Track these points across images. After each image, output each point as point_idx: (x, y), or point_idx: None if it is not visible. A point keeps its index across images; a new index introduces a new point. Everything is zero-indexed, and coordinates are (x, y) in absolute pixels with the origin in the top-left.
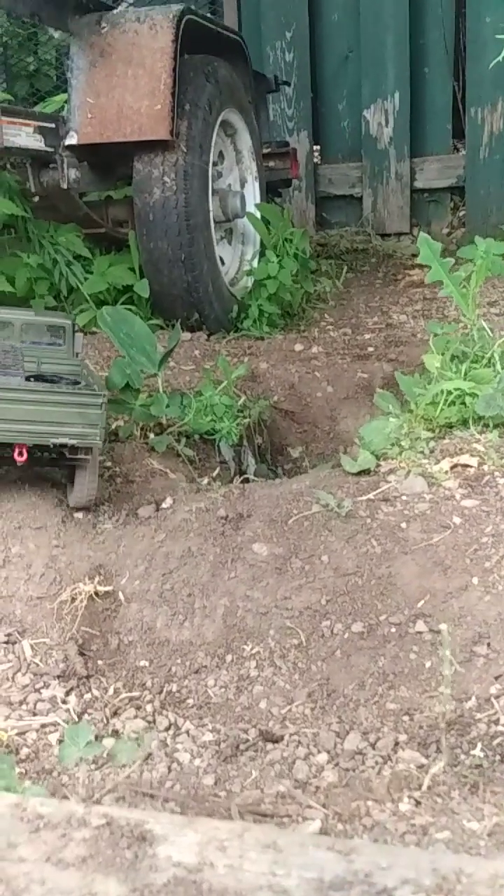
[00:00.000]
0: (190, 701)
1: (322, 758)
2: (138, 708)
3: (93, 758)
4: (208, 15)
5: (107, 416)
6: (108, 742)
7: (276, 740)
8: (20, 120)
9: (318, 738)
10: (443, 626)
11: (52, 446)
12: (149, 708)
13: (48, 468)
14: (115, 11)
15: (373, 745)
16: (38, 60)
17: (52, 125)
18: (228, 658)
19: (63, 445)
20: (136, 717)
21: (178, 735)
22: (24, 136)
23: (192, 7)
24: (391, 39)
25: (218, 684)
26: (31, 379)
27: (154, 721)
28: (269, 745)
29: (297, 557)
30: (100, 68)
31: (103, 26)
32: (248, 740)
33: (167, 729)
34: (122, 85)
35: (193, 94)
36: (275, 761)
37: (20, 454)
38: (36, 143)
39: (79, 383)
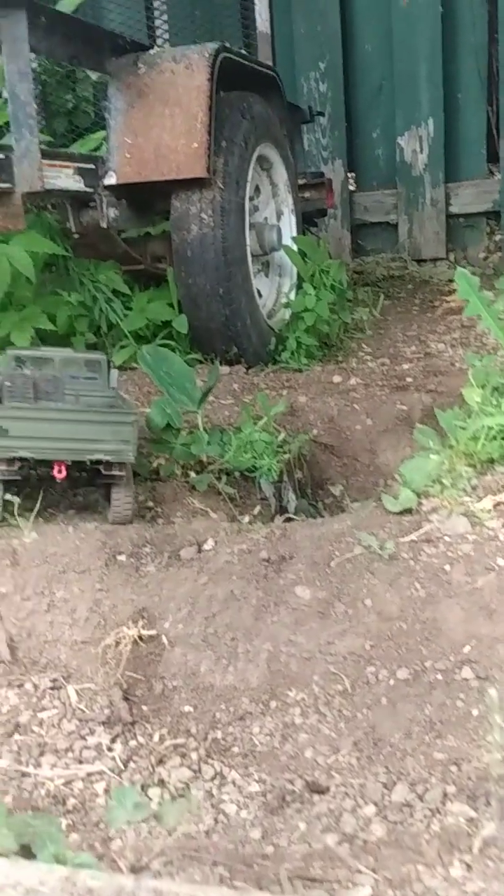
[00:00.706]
0: (235, 749)
1: (370, 810)
2: (183, 756)
3: (141, 819)
4: (242, 51)
5: (138, 436)
6: (154, 792)
7: (322, 791)
8: (60, 162)
9: (364, 789)
10: (491, 673)
11: (88, 462)
12: (194, 756)
13: (86, 488)
14: (151, 52)
15: (421, 797)
16: (77, 97)
17: (92, 166)
18: (273, 704)
19: (98, 461)
20: (181, 765)
21: (224, 785)
22: (64, 178)
23: (227, 44)
24: (424, 67)
25: (263, 732)
26: None
27: (199, 770)
28: (316, 797)
29: (341, 601)
30: (137, 108)
31: (140, 67)
32: (294, 791)
33: (213, 778)
34: (159, 124)
35: (229, 131)
36: (322, 814)
37: (59, 471)
38: (76, 184)
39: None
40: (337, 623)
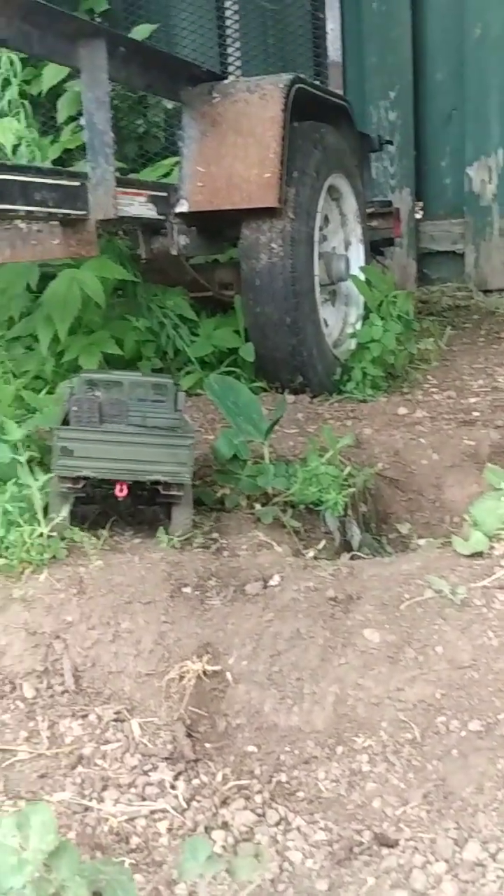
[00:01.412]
0: (300, 794)
1: (440, 867)
2: (247, 798)
3: (213, 875)
4: (316, 82)
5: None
6: (218, 835)
7: (391, 845)
8: (133, 190)
9: (435, 844)
10: None
11: (148, 483)
12: (258, 799)
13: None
14: (225, 81)
15: (493, 857)
16: (147, 123)
17: (164, 193)
18: (339, 750)
19: (157, 482)
20: (245, 808)
21: (289, 831)
22: (137, 205)
23: (301, 75)
24: (495, 97)
25: (329, 777)
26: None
27: (264, 814)
28: (385, 850)
29: (411, 646)
30: (210, 137)
31: (214, 96)
32: (362, 843)
33: (277, 823)
34: (231, 154)
35: (301, 162)
36: (391, 868)
37: (121, 490)
38: (148, 211)
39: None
40: (407, 669)
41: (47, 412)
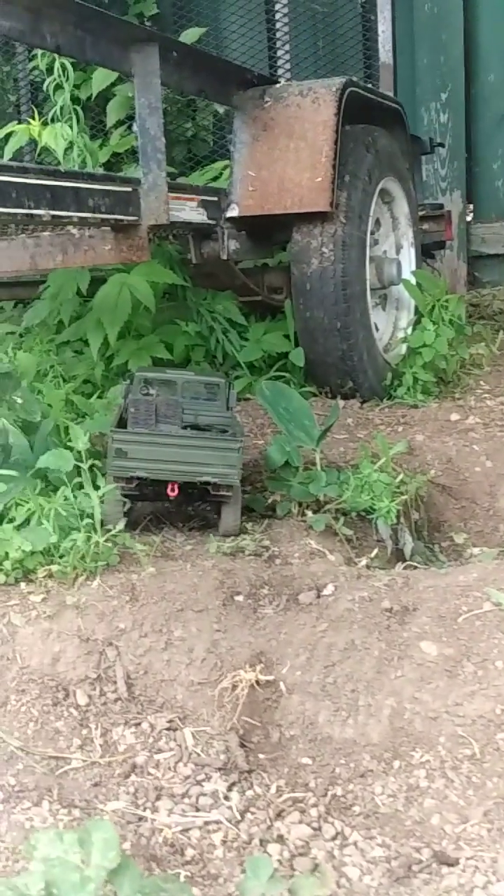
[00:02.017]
0: (356, 808)
1: (502, 888)
2: (302, 812)
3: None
4: (368, 85)
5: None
6: (274, 849)
7: (451, 863)
8: (185, 195)
9: (496, 864)
10: None
11: (198, 483)
12: (313, 812)
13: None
14: (277, 85)
15: None
16: (196, 126)
17: (214, 198)
18: (396, 764)
19: (207, 483)
20: (300, 821)
21: (346, 846)
22: (188, 211)
23: (354, 78)
24: None
25: (385, 792)
26: (187, 428)
27: (320, 828)
28: (444, 868)
29: (469, 661)
30: (262, 142)
31: (266, 100)
32: (421, 860)
33: (333, 838)
34: (283, 158)
35: (353, 166)
36: (451, 888)
37: (172, 490)
38: (199, 216)
39: (227, 432)
40: (466, 684)
41: (98, 418)
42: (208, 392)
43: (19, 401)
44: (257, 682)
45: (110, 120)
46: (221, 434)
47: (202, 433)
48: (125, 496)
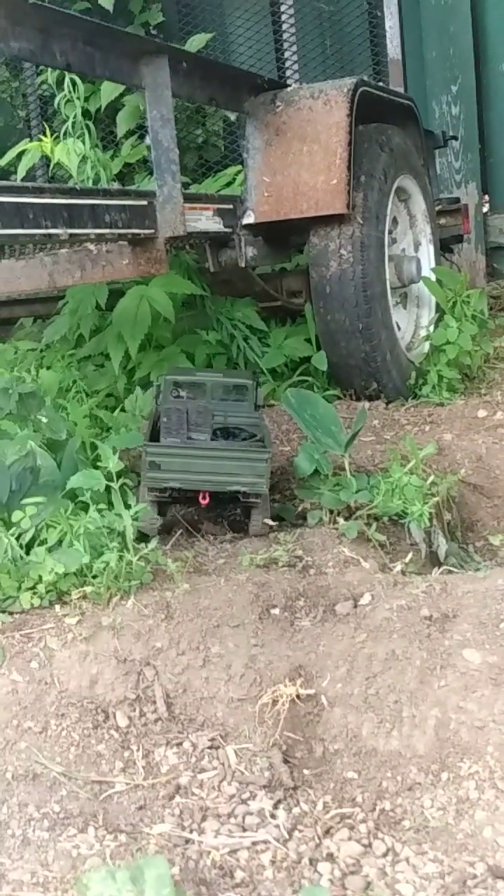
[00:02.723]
0: (406, 823)
1: None
2: (351, 828)
3: None
4: (380, 83)
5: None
6: (324, 867)
7: None
8: (200, 205)
9: None
10: None
11: (225, 494)
12: (362, 829)
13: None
14: (288, 89)
15: None
16: (206, 132)
17: (230, 206)
18: (444, 776)
19: (237, 492)
20: (349, 838)
21: (398, 862)
22: (204, 220)
23: (365, 78)
24: None
25: (435, 805)
26: (218, 432)
27: (370, 845)
28: (500, 883)
29: None
30: (275, 146)
31: (278, 105)
32: (475, 875)
33: (384, 854)
34: (297, 162)
35: (368, 165)
36: None
37: (203, 498)
38: (215, 225)
39: (255, 435)
40: None
41: (125, 433)
42: (237, 393)
43: (44, 420)
44: (298, 696)
45: (120, 130)
46: (251, 443)
47: (231, 444)
48: (160, 503)
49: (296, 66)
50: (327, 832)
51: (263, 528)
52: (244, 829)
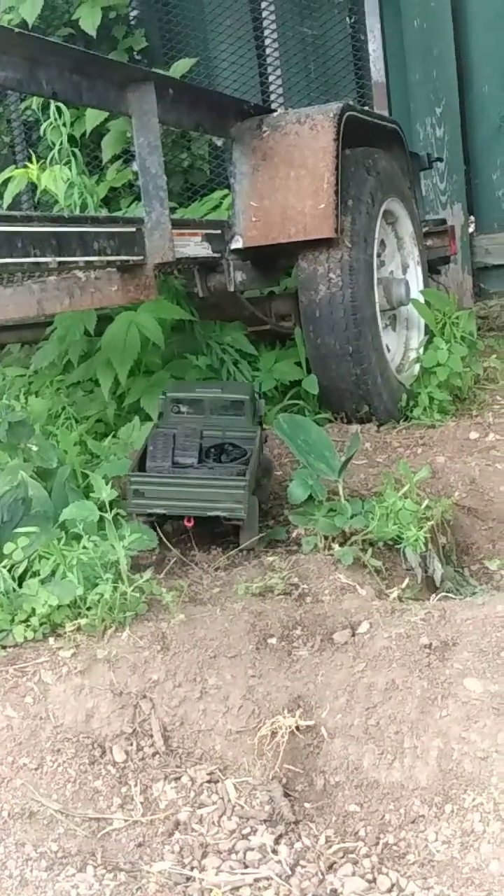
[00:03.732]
0: (410, 857)
1: None
2: (355, 863)
3: None
4: (364, 107)
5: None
6: None
7: None
8: (189, 230)
9: None
10: None
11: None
12: (366, 863)
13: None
14: (274, 114)
15: None
16: (192, 156)
17: (218, 231)
18: (448, 808)
19: (216, 517)
20: (353, 873)
21: None
22: (193, 246)
23: (350, 102)
24: None
25: (439, 839)
26: (211, 450)
27: (374, 880)
28: None
29: None
30: (262, 171)
31: (264, 130)
32: None
33: (389, 890)
34: (284, 186)
35: (356, 189)
36: None
37: (188, 521)
38: (203, 250)
39: (246, 454)
40: None
41: (115, 461)
42: (234, 408)
43: (35, 448)
44: (297, 727)
45: (106, 155)
46: (231, 469)
47: (211, 472)
48: (149, 524)
49: (280, 91)
50: (330, 867)
51: (253, 543)
52: (245, 866)
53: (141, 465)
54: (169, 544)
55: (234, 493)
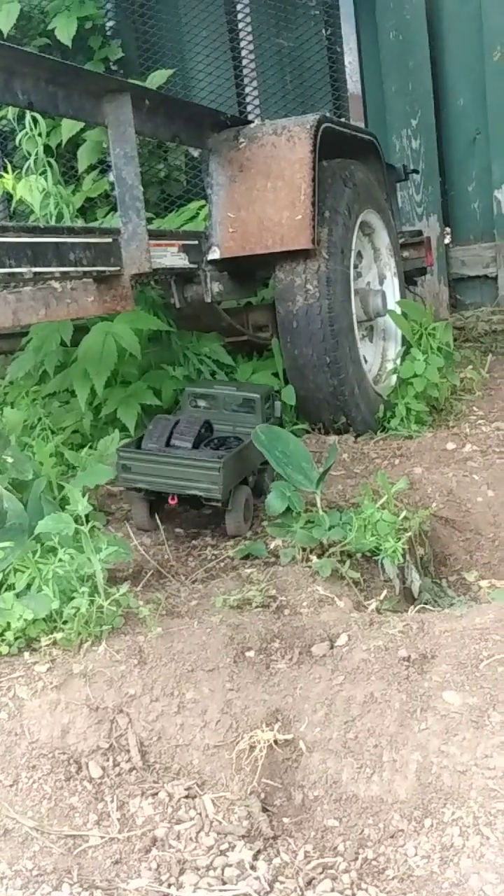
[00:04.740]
0: (389, 872)
1: None
2: (334, 878)
3: None
4: (340, 119)
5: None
6: None
7: None
8: (165, 241)
9: None
10: None
11: (186, 496)
12: (345, 879)
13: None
14: (251, 126)
15: None
16: (168, 167)
17: (195, 242)
18: (427, 822)
19: (194, 496)
20: (332, 889)
21: None
22: (170, 256)
23: (327, 114)
24: None
25: (419, 853)
26: (213, 442)
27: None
28: None
29: (496, 710)
30: (239, 183)
31: (241, 141)
32: None
33: None
34: (262, 198)
35: (332, 201)
36: None
37: (172, 499)
38: (180, 261)
39: (231, 444)
40: (494, 734)
41: (93, 470)
42: (246, 405)
43: (10, 459)
44: (275, 741)
45: (82, 165)
46: (212, 452)
47: (193, 454)
48: (150, 503)
49: (257, 102)
50: (309, 883)
51: (236, 529)
52: (224, 882)
53: (140, 446)
54: (147, 556)
55: (210, 474)
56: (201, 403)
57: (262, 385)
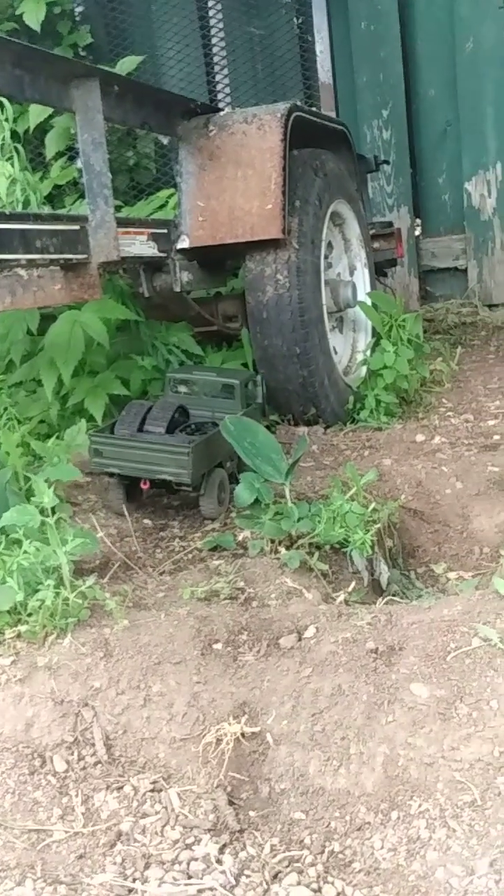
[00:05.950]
0: (356, 865)
1: None
2: (300, 872)
3: None
4: (311, 108)
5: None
6: None
7: None
8: (134, 229)
9: None
10: None
11: (156, 480)
12: (312, 872)
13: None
14: (222, 114)
15: None
16: (137, 154)
17: (164, 230)
18: (394, 815)
19: (163, 481)
20: (298, 882)
21: None
22: (138, 245)
23: (298, 103)
24: (491, 110)
25: (385, 846)
26: (192, 426)
27: (320, 889)
28: None
29: (463, 702)
30: (209, 171)
31: (211, 129)
32: None
33: None
34: (232, 187)
35: (303, 191)
36: None
37: (144, 483)
38: (150, 249)
39: (199, 431)
40: (460, 726)
41: (60, 466)
42: (225, 391)
43: None
44: (242, 734)
45: (50, 152)
46: (180, 437)
47: (158, 438)
48: (126, 487)
49: (227, 90)
50: (275, 877)
51: (211, 513)
52: (189, 877)
53: (113, 431)
54: (113, 547)
55: (178, 458)
56: (182, 389)
57: (243, 371)
